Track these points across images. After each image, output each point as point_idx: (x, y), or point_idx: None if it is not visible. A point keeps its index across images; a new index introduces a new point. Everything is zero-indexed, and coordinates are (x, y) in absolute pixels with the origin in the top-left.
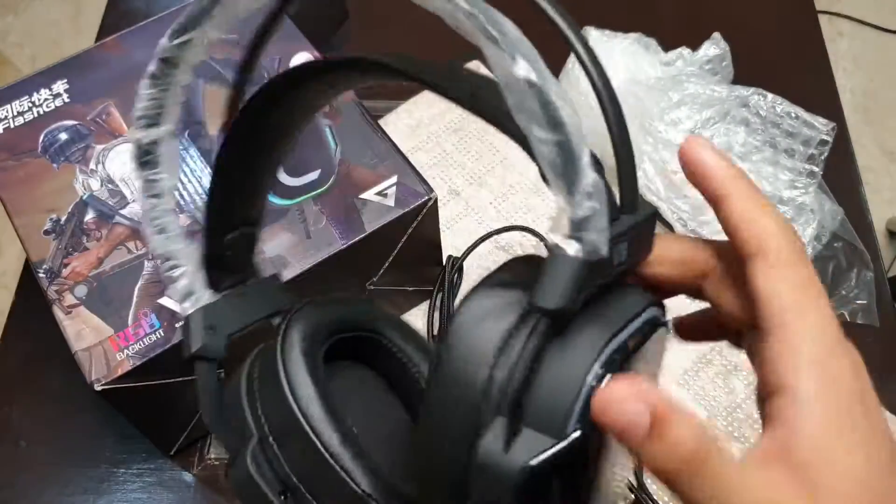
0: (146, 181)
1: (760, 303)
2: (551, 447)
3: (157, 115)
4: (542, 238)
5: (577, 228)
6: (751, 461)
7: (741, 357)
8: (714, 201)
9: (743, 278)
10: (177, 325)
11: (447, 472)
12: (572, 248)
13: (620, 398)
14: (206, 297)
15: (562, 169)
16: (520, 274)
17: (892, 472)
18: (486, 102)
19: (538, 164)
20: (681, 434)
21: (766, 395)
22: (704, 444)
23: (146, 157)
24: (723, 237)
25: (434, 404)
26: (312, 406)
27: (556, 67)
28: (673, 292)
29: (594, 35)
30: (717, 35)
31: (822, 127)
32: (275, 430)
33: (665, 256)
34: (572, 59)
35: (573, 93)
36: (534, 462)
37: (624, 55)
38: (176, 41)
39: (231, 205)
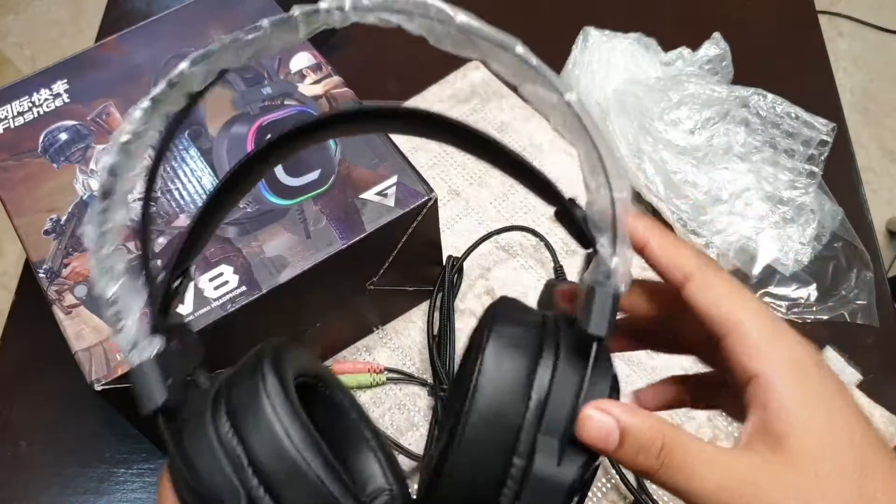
0: (100, 212)
1: (706, 318)
2: (595, 461)
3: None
4: (541, 238)
5: (613, 274)
6: (737, 445)
7: None
8: (639, 250)
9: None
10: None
11: (492, 488)
12: (612, 287)
13: (590, 417)
14: (151, 344)
15: (609, 225)
16: (523, 310)
17: (851, 424)
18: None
19: (577, 230)
20: (640, 435)
21: (741, 392)
22: (660, 435)
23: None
24: (724, 237)
25: (477, 426)
26: (314, 451)
27: (556, 67)
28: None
29: (594, 35)
30: (717, 35)
31: (822, 127)
32: (269, 480)
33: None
34: (571, 59)
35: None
36: (585, 475)
37: (624, 55)
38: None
39: (194, 248)
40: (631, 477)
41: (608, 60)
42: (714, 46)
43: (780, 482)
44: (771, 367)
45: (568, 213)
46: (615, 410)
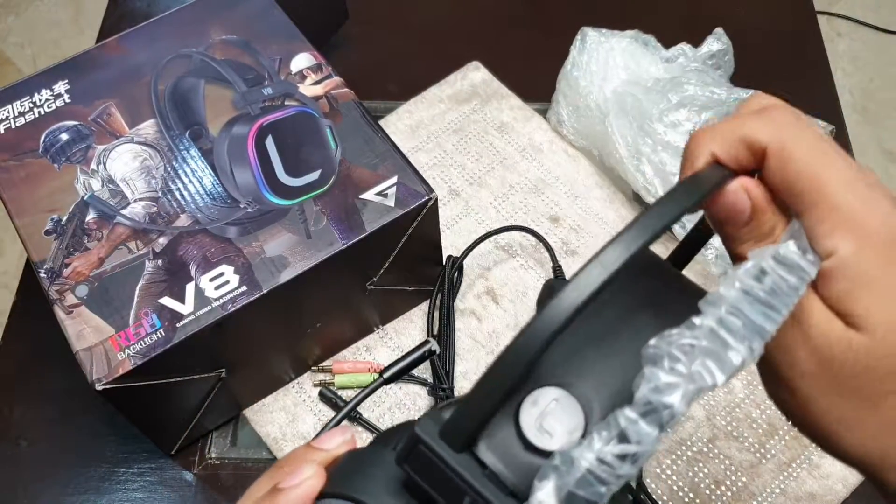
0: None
1: (788, 196)
2: None
3: None
4: (540, 238)
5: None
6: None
7: None
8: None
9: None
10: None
11: None
12: None
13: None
14: None
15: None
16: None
17: None
18: None
19: None
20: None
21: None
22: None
23: None
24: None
25: None
26: None
27: (555, 68)
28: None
29: (592, 35)
30: (719, 30)
31: (820, 129)
32: None
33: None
34: (570, 60)
35: (572, 94)
36: None
37: (623, 54)
38: None
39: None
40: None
41: (607, 61)
42: (717, 42)
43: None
44: (858, 244)
45: None
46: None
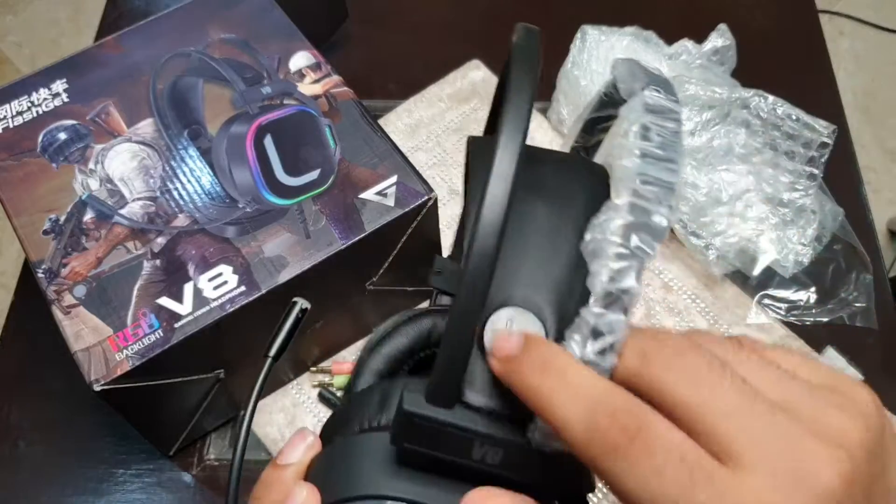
0: None
1: None
2: None
3: None
4: None
5: None
6: None
7: None
8: None
9: None
10: None
11: None
12: None
13: (503, 331)
14: None
15: None
16: None
17: None
18: None
19: None
20: (546, 344)
21: None
22: (562, 350)
23: None
24: (724, 238)
25: None
26: None
27: (555, 67)
28: None
29: (592, 34)
30: (722, 26)
31: (822, 129)
32: None
33: None
34: (570, 58)
35: (572, 93)
36: None
37: (625, 52)
38: None
39: None
40: None
41: (607, 59)
42: (721, 38)
43: None
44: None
45: None
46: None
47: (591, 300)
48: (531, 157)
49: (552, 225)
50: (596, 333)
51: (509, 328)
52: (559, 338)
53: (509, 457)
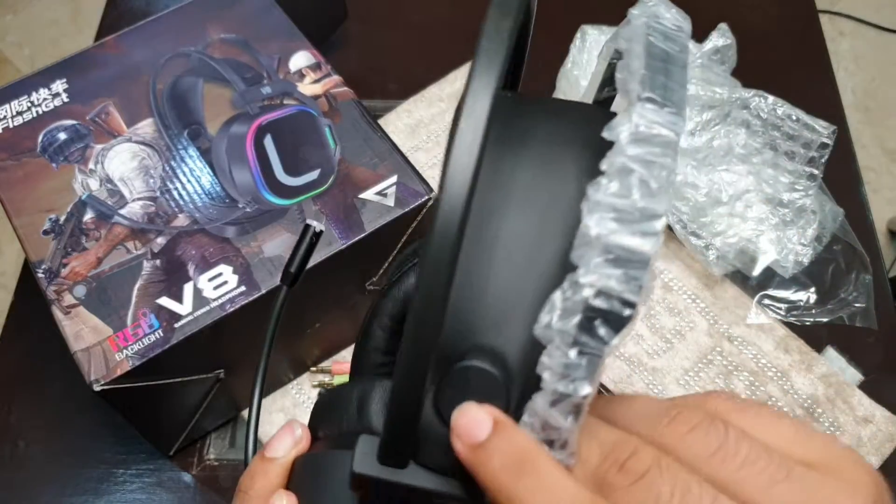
0: None
1: None
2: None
3: None
4: None
5: None
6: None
7: (742, 357)
8: None
9: None
10: None
11: None
12: None
13: (469, 409)
14: None
15: None
16: None
17: None
18: None
19: None
20: (517, 433)
21: None
22: (536, 445)
23: None
24: (724, 239)
25: None
26: None
27: (554, 67)
28: None
29: (592, 34)
30: (723, 26)
31: (822, 130)
32: None
33: None
34: (570, 59)
35: (572, 93)
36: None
37: None
38: None
39: None
40: None
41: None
42: (721, 37)
43: None
44: None
45: None
46: (493, 409)
47: (540, 392)
48: (511, 112)
49: (531, 224)
50: (546, 427)
51: (472, 401)
52: (521, 403)
53: None
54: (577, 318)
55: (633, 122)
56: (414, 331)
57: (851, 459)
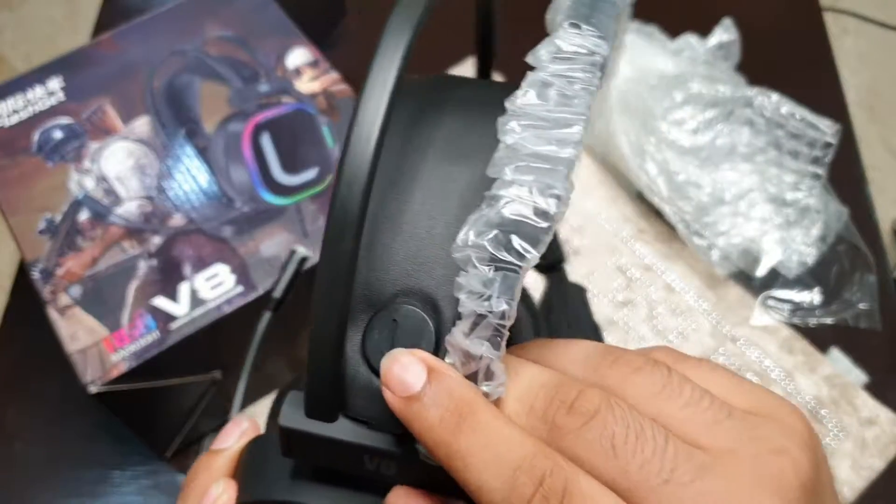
0: None
1: None
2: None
3: None
4: None
5: None
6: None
7: (746, 358)
8: None
9: None
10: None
11: None
12: None
13: (399, 356)
14: None
15: None
16: None
17: None
18: None
19: None
20: (454, 381)
21: None
22: (476, 393)
23: None
24: (728, 238)
25: None
26: None
27: None
28: None
29: None
30: (727, 21)
31: (826, 129)
32: None
33: None
34: None
35: None
36: None
37: (631, 50)
38: None
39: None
40: None
41: None
42: (725, 33)
43: None
44: None
45: None
46: (424, 355)
47: (458, 322)
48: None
49: (449, 158)
50: (468, 359)
51: (402, 345)
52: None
53: (403, 469)
54: (492, 233)
55: (553, 44)
56: (325, 267)
57: (787, 407)
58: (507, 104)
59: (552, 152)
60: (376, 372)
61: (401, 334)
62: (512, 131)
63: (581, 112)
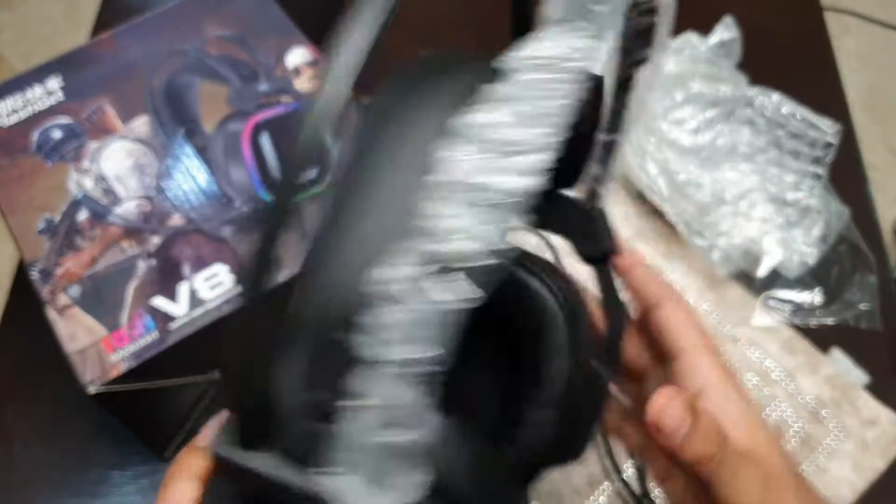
0: None
1: (668, 339)
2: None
3: None
4: (542, 237)
5: None
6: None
7: (746, 359)
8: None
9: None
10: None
11: None
12: None
13: (668, 404)
14: None
15: None
16: None
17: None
18: None
19: None
20: (711, 422)
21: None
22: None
23: None
24: (728, 239)
25: None
26: None
27: None
28: None
29: None
30: (728, 19)
31: (827, 129)
32: None
33: None
34: None
35: None
36: None
37: None
38: None
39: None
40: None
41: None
42: (726, 31)
43: None
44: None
45: None
46: (687, 398)
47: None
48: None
49: (393, 168)
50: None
51: (340, 378)
52: None
53: None
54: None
55: (528, 48)
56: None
57: None
58: (458, 121)
59: (498, 185)
60: (314, 411)
61: (336, 364)
62: (451, 160)
63: (548, 132)
